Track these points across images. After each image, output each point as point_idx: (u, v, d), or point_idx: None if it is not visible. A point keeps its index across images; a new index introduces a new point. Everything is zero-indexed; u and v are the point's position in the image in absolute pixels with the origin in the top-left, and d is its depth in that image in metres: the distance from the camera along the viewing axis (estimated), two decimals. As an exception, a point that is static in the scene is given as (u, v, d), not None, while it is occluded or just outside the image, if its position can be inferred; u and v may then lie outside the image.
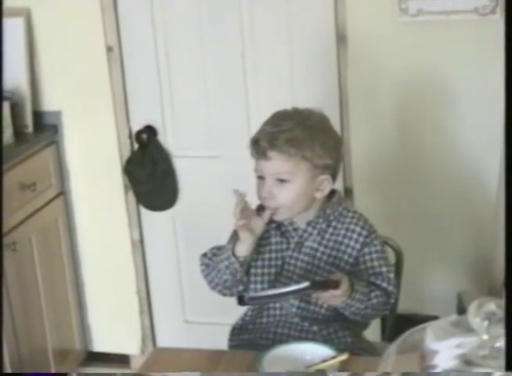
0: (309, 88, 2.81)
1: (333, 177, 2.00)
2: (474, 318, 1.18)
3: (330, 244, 2.01)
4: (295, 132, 1.90)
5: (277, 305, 2.04)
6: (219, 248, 2.06)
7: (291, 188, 1.93)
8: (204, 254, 2.09)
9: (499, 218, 2.47)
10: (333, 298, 1.85)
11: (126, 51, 2.97)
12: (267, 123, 1.97)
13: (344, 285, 1.84)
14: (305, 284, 1.82)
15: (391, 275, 2.00)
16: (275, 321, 2.04)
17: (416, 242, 2.81)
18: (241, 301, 1.85)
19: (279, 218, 2.00)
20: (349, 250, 2.00)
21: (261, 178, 1.96)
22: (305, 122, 1.94)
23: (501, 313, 1.18)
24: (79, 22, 2.93)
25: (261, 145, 1.91)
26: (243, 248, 1.94)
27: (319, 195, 1.98)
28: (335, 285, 1.82)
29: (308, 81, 2.83)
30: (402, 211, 2.87)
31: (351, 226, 2.01)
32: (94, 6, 2.89)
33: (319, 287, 1.84)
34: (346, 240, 2.00)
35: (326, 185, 1.97)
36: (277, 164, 1.91)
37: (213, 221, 2.95)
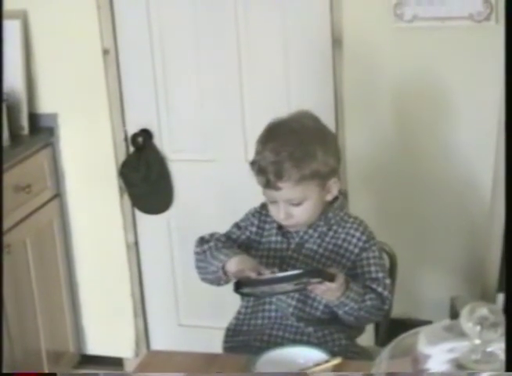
0: (305, 92, 2.82)
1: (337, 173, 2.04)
2: (466, 323, 1.19)
3: (330, 246, 2.03)
4: (297, 154, 1.92)
5: (272, 306, 2.05)
6: (218, 239, 2.06)
7: (306, 206, 1.97)
8: (202, 240, 2.09)
9: (493, 222, 2.48)
10: (329, 291, 1.86)
11: (122, 54, 2.97)
12: (266, 146, 1.96)
13: (340, 279, 1.86)
14: (301, 270, 1.86)
15: (387, 281, 2.01)
16: (270, 323, 2.05)
17: (409, 246, 2.82)
18: (237, 286, 1.86)
19: (297, 229, 2.04)
20: (348, 254, 2.02)
21: (273, 202, 1.99)
22: (303, 138, 1.95)
23: (493, 318, 1.18)
24: (75, 24, 2.93)
25: (270, 179, 1.93)
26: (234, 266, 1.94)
27: (330, 197, 2.02)
28: (330, 277, 1.84)
29: (304, 86, 2.83)
30: (396, 214, 2.87)
31: (352, 231, 2.03)
32: (90, 9, 2.90)
33: (314, 274, 1.85)
34: (345, 244, 2.03)
35: (334, 187, 2.02)
36: (288, 192, 1.94)
37: (207, 224, 2.93)
